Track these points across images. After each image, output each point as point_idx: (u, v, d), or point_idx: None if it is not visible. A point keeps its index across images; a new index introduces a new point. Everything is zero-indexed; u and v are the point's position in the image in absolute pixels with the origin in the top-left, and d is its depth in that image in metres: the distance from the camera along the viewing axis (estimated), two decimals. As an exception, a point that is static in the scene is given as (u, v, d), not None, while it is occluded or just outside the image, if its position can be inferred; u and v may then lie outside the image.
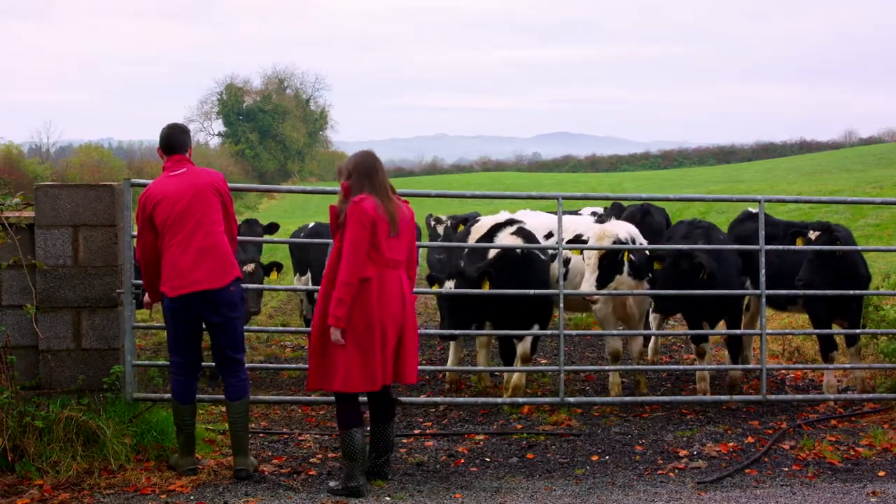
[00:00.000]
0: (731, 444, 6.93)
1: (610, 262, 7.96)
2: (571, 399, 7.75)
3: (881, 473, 6.30)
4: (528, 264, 8.09)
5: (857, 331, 8.42)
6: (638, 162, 61.90)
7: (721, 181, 40.61)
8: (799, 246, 8.00)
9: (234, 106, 61.77)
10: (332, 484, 5.97)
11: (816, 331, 8.57)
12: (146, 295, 6.38)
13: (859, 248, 8.69)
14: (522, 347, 8.28)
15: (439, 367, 9.09)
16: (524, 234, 8.36)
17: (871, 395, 8.02)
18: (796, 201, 8.46)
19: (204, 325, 6.20)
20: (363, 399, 6.10)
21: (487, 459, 6.70)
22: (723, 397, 8.01)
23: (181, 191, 6.01)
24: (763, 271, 7.80)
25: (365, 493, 5.85)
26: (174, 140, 6.21)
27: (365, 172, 5.77)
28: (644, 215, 10.16)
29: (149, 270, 6.16)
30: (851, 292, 7.98)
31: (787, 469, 6.43)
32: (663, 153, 64.46)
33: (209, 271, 5.98)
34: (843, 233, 8.35)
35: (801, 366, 8.94)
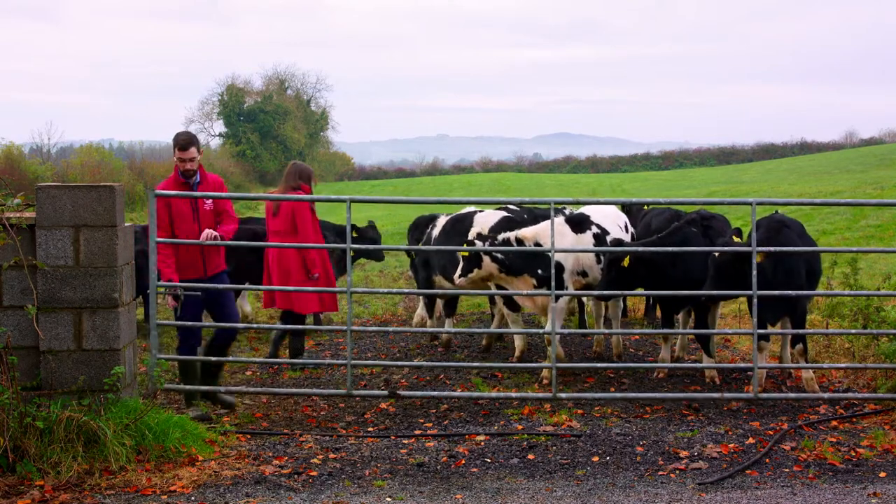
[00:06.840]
0: (731, 445, 6.93)
1: (472, 255, 8.76)
2: (563, 395, 7.96)
3: (882, 474, 6.30)
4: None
5: (860, 331, 8.47)
6: (638, 163, 61.88)
7: (722, 182, 40.62)
8: (792, 248, 8.05)
9: (234, 107, 61.67)
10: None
11: (811, 331, 8.71)
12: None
13: (862, 248, 8.73)
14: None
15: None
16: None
17: (872, 395, 8.02)
18: (787, 204, 8.55)
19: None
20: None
21: (488, 460, 6.71)
22: (714, 395, 8.13)
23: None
24: (755, 273, 7.77)
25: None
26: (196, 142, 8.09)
27: None
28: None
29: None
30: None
31: (787, 470, 6.43)
32: (664, 154, 64.40)
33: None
34: (761, 233, 8.33)
35: (793, 365, 8.94)
